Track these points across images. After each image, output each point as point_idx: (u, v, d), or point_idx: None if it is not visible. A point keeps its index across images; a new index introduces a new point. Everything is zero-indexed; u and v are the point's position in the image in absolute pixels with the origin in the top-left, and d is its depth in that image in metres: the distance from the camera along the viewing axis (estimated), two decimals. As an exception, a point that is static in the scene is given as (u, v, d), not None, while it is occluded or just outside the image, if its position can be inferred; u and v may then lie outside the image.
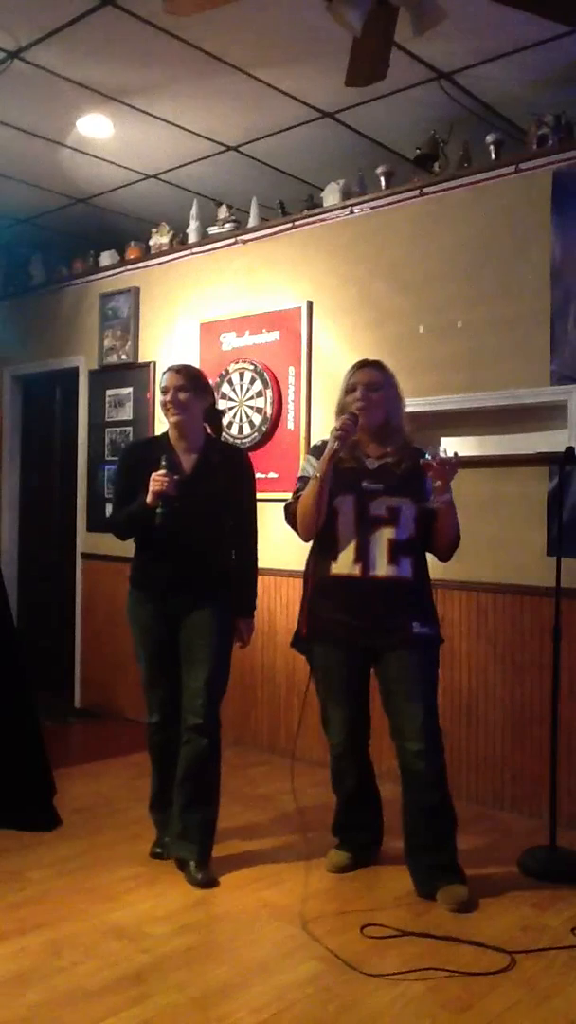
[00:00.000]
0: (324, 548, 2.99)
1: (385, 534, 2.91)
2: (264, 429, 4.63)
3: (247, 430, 4.69)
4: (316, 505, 2.91)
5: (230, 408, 4.79)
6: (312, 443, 3.13)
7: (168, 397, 3.09)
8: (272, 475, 4.55)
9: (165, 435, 3.21)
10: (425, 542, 3.00)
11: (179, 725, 3.09)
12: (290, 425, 4.58)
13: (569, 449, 3.22)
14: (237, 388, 4.75)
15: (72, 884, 2.97)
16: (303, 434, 4.50)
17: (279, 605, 4.48)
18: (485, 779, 3.83)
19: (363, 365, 3.06)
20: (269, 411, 4.62)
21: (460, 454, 2.98)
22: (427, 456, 2.88)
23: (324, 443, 3.00)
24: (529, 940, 2.61)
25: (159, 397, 3.19)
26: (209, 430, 3.24)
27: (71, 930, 2.64)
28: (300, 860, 3.19)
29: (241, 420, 4.74)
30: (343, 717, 3.03)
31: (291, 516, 3.05)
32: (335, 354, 4.42)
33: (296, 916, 2.76)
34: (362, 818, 3.17)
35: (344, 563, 2.94)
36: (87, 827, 3.50)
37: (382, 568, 2.91)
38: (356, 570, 2.93)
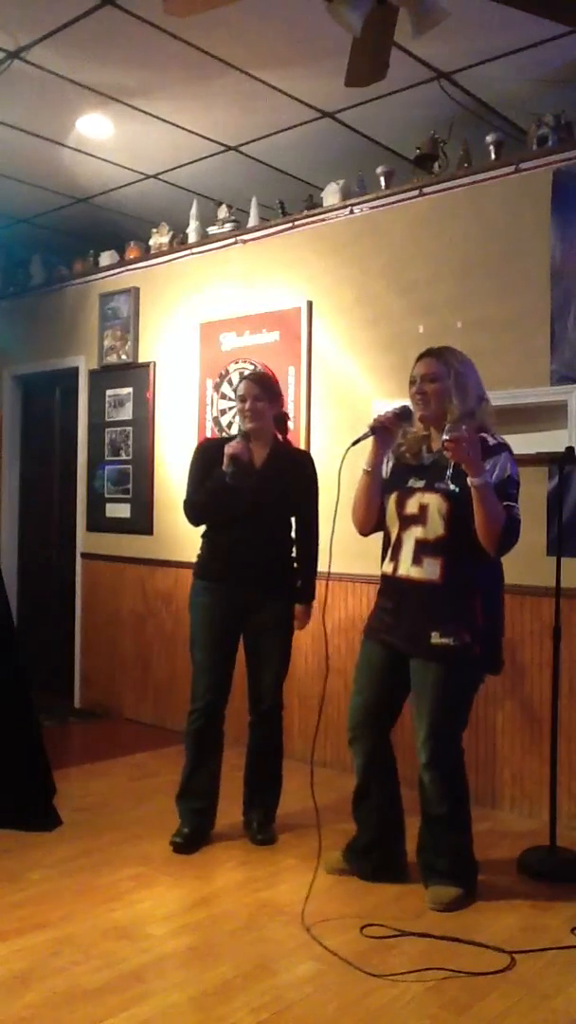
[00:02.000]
0: (383, 546, 3.02)
1: (413, 533, 2.86)
2: (264, 429, 4.63)
3: (247, 430, 4.68)
4: (365, 498, 2.95)
5: (230, 408, 4.79)
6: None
7: (246, 406, 3.32)
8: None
9: (242, 434, 3.38)
10: (466, 542, 2.75)
11: (222, 716, 3.35)
12: (290, 425, 4.56)
13: (569, 449, 3.22)
14: (236, 388, 4.74)
15: (72, 884, 2.97)
16: (303, 434, 4.50)
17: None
18: (485, 779, 3.83)
19: (424, 355, 2.95)
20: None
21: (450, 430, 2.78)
22: (445, 435, 2.68)
23: (405, 408, 2.95)
24: (529, 940, 2.61)
25: (236, 404, 3.43)
26: (278, 433, 3.45)
27: (71, 930, 2.64)
28: (300, 860, 3.19)
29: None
30: (360, 717, 3.00)
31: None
32: (335, 354, 4.42)
33: (296, 916, 2.75)
34: (368, 811, 3.04)
35: (387, 562, 2.96)
36: (87, 827, 3.50)
37: (405, 569, 2.87)
38: (389, 569, 2.93)
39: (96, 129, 4.35)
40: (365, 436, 2.90)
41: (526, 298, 3.75)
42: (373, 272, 4.28)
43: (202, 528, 3.47)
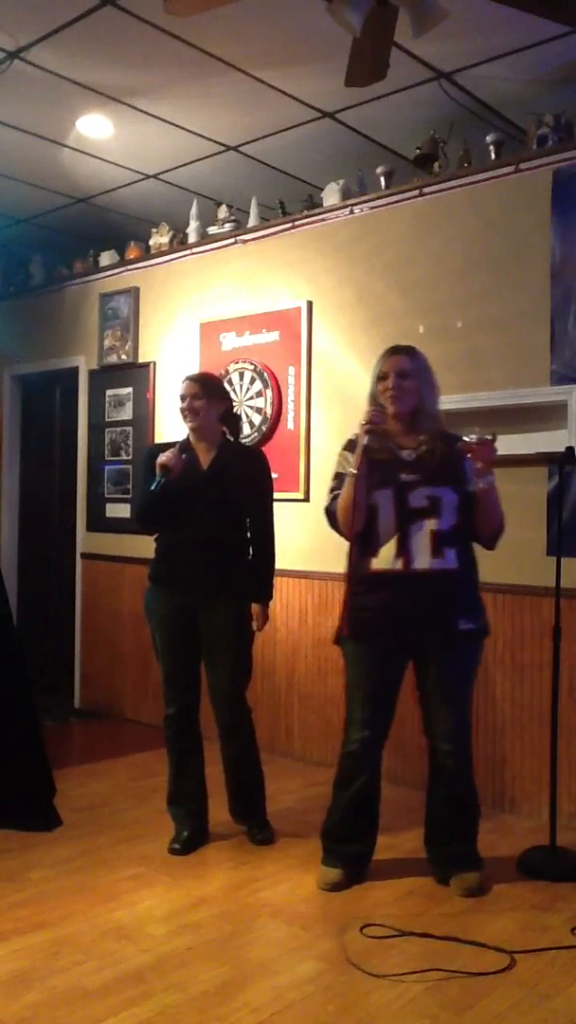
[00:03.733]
0: (364, 545, 2.90)
1: (428, 525, 2.82)
2: (264, 429, 4.63)
3: (247, 430, 4.68)
4: (354, 501, 2.86)
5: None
6: (347, 438, 3.01)
7: (184, 405, 3.29)
8: (272, 475, 4.53)
9: (187, 439, 3.35)
10: (470, 530, 2.89)
11: (196, 718, 3.31)
12: (290, 425, 4.58)
13: (569, 449, 3.22)
14: (237, 388, 4.75)
15: (72, 884, 2.97)
16: (303, 434, 4.50)
17: (278, 604, 4.47)
18: (485, 779, 3.82)
19: (394, 352, 2.98)
20: (269, 411, 4.62)
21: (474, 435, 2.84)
22: (465, 438, 2.77)
23: (357, 438, 2.89)
24: (529, 940, 2.61)
25: (178, 404, 3.36)
26: (227, 432, 3.39)
27: (71, 930, 2.64)
28: (300, 860, 3.19)
29: (240, 420, 4.74)
30: (369, 717, 2.94)
31: (332, 517, 2.97)
32: (335, 354, 4.42)
33: (296, 916, 2.76)
34: (359, 825, 3.02)
35: (385, 558, 2.85)
36: (87, 827, 3.50)
37: (425, 561, 2.82)
38: (398, 564, 2.84)
39: (96, 129, 4.35)
40: (368, 441, 2.82)
41: (526, 298, 3.75)
42: (373, 272, 4.28)
43: None
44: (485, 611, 2.99)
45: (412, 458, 2.90)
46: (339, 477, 2.96)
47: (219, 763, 3.36)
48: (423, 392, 2.95)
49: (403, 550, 2.84)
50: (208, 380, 3.39)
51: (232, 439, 3.42)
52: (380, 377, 2.95)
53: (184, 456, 3.19)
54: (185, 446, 3.28)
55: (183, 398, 3.30)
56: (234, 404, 3.54)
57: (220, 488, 3.25)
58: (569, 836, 3.31)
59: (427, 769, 3.04)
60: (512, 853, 3.22)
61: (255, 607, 3.35)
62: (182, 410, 3.31)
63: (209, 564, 3.22)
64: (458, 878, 2.92)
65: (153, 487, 3.13)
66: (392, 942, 2.59)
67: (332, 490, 2.98)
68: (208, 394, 3.30)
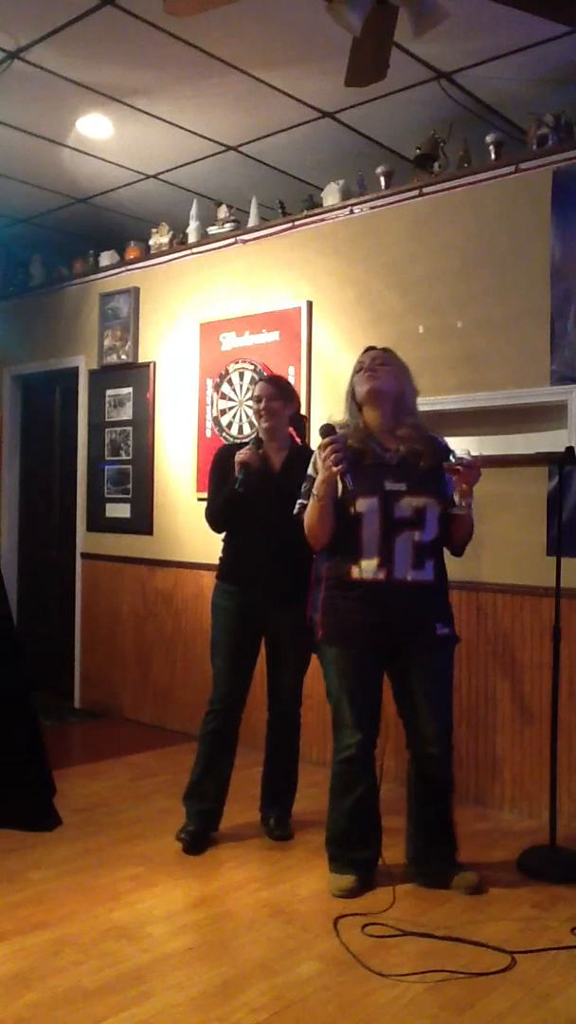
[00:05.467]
0: (346, 551, 2.88)
1: (410, 537, 2.84)
2: (264, 429, 4.63)
3: (247, 430, 4.68)
4: (324, 521, 2.86)
5: (230, 408, 4.79)
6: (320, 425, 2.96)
7: (262, 406, 3.37)
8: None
9: (258, 437, 3.41)
10: (443, 540, 2.96)
11: (239, 718, 3.37)
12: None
13: (569, 449, 3.22)
14: (237, 388, 4.75)
15: (72, 884, 2.97)
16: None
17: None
18: (485, 779, 3.83)
19: (369, 349, 3.07)
20: (269, 411, 4.62)
21: (459, 455, 2.84)
22: (451, 459, 2.78)
23: (328, 427, 2.85)
24: (529, 940, 2.61)
25: (252, 406, 3.46)
26: (295, 436, 3.48)
27: (71, 930, 2.64)
28: (300, 860, 3.19)
29: (241, 420, 4.74)
30: (361, 720, 2.91)
31: (301, 527, 2.95)
32: (335, 354, 4.42)
33: (296, 916, 2.76)
34: (364, 829, 2.98)
35: (367, 568, 2.84)
36: (87, 827, 3.50)
37: (406, 572, 2.83)
38: (381, 575, 2.83)
39: (96, 129, 4.36)
40: (349, 481, 2.77)
41: (526, 298, 3.75)
42: (373, 272, 4.28)
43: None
44: (453, 618, 3.04)
45: (395, 461, 2.89)
46: (310, 480, 2.93)
47: (236, 768, 3.36)
48: (402, 383, 2.97)
49: (385, 561, 2.84)
50: (283, 383, 3.50)
51: (300, 440, 3.50)
52: (357, 369, 3.01)
53: (262, 452, 3.31)
54: (260, 443, 3.36)
55: (258, 399, 3.37)
56: (300, 407, 3.63)
57: (291, 488, 3.25)
58: (569, 836, 3.31)
59: (407, 781, 3.03)
60: (512, 853, 3.22)
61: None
62: (257, 411, 3.38)
63: (282, 564, 3.27)
64: (459, 878, 2.93)
65: (237, 487, 3.18)
66: (392, 942, 2.59)
67: (302, 495, 2.95)
68: (283, 396, 3.39)
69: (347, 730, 2.93)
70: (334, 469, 2.74)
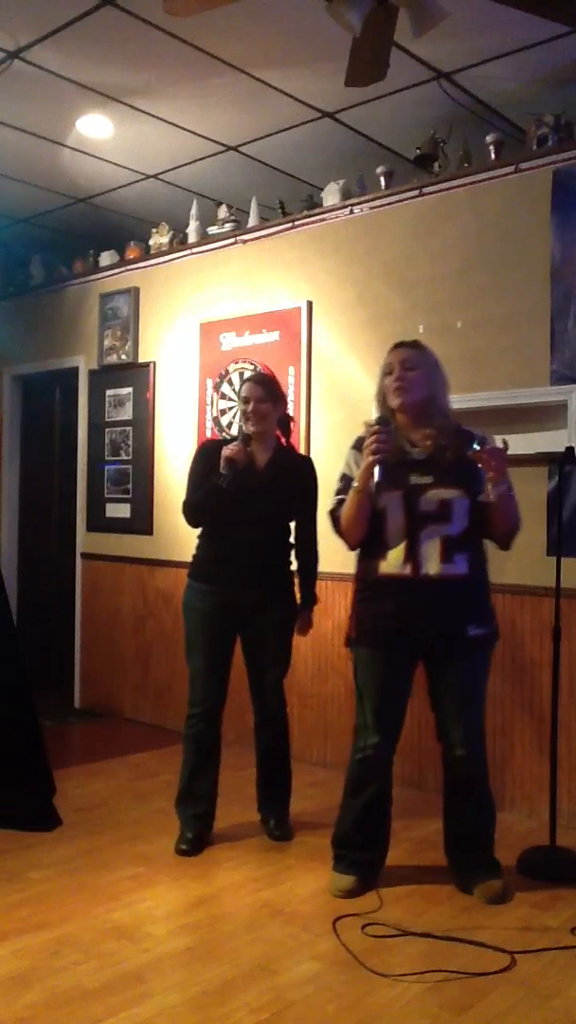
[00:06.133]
0: (372, 548, 2.86)
1: (437, 530, 2.77)
2: (264, 429, 4.63)
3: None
4: (360, 516, 2.80)
5: (230, 408, 4.79)
6: (356, 436, 2.94)
7: (249, 408, 3.27)
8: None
9: (243, 436, 3.33)
10: (481, 532, 2.84)
11: (220, 719, 3.33)
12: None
13: (569, 449, 3.22)
14: (237, 388, 4.75)
15: (72, 884, 2.97)
16: (303, 434, 4.50)
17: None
18: (485, 779, 3.82)
19: (399, 345, 2.93)
20: (269, 411, 4.62)
21: (485, 441, 2.74)
22: (475, 446, 2.66)
23: (383, 420, 2.82)
24: (529, 940, 2.61)
25: (240, 406, 3.35)
26: (280, 436, 3.41)
27: (71, 930, 2.64)
28: (300, 860, 3.19)
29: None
30: (381, 723, 2.88)
31: (336, 522, 2.91)
32: (335, 354, 4.42)
33: (296, 916, 2.76)
34: (372, 830, 2.96)
35: (393, 562, 2.80)
36: (87, 827, 3.50)
37: (434, 567, 2.76)
38: (407, 570, 2.78)
39: (96, 129, 4.35)
40: (379, 474, 2.71)
41: (526, 298, 3.75)
42: (373, 272, 4.28)
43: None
44: (495, 615, 2.95)
45: (423, 457, 2.84)
46: (345, 479, 2.91)
47: (223, 763, 3.36)
48: (432, 386, 2.88)
49: (411, 555, 2.78)
50: (272, 383, 3.40)
51: (284, 441, 3.43)
52: (386, 371, 2.90)
53: (250, 450, 3.24)
54: (248, 440, 3.27)
55: (246, 400, 3.27)
56: (287, 407, 3.53)
57: (275, 490, 3.27)
58: (569, 836, 3.31)
59: (441, 775, 3.02)
60: (512, 853, 3.22)
61: (302, 613, 3.41)
62: (244, 413, 3.29)
63: (262, 564, 3.26)
64: (481, 886, 2.89)
65: (222, 483, 3.11)
66: (392, 942, 2.59)
67: (338, 492, 2.92)
68: (272, 397, 3.30)
69: (367, 731, 2.91)
70: (371, 458, 2.72)
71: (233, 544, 3.26)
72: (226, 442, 3.32)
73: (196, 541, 3.43)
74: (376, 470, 2.71)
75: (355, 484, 2.80)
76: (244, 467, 3.19)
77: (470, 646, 2.84)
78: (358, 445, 2.89)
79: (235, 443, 3.21)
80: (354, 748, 2.96)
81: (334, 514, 2.92)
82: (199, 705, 3.31)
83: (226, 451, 3.16)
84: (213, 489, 3.17)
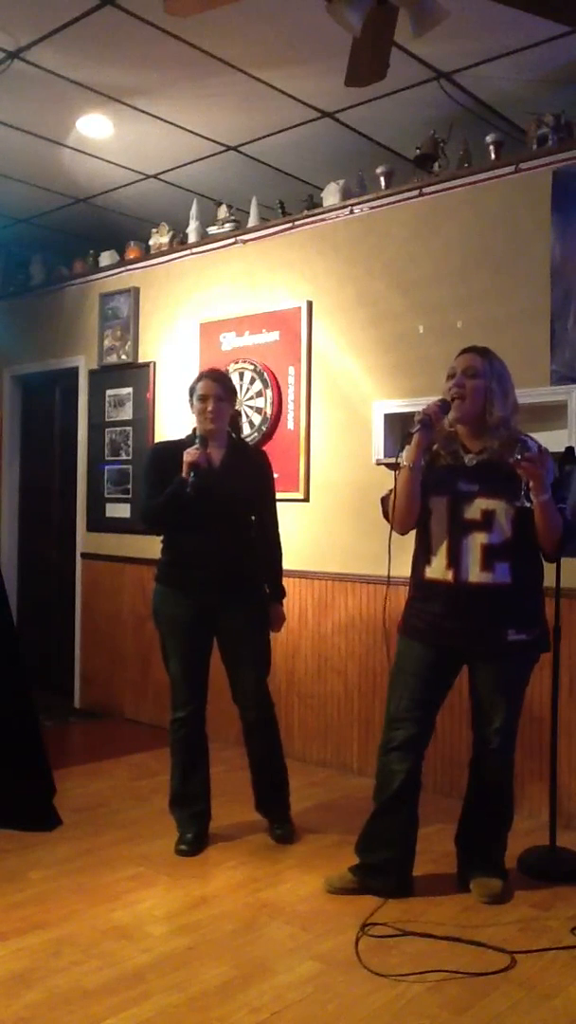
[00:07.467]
0: (421, 548, 2.90)
1: (478, 539, 2.77)
2: (264, 429, 4.63)
3: (247, 430, 4.68)
4: (407, 496, 2.80)
5: (230, 408, 4.79)
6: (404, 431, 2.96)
7: (208, 407, 3.22)
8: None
9: (191, 436, 3.30)
10: (529, 542, 2.79)
11: (204, 720, 3.31)
12: (290, 425, 4.58)
13: (569, 449, 3.22)
14: (237, 388, 4.74)
15: (72, 884, 2.97)
16: (303, 434, 4.50)
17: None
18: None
19: (466, 351, 2.89)
20: (269, 411, 4.62)
21: (529, 449, 2.73)
22: (517, 455, 2.65)
23: (445, 403, 2.82)
24: (529, 940, 2.61)
25: (196, 404, 3.28)
26: (232, 433, 3.37)
27: (71, 930, 2.64)
28: (300, 860, 3.19)
29: (241, 420, 4.74)
30: (406, 714, 2.86)
31: (384, 505, 2.92)
32: (335, 354, 4.42)
33: (296, 916, 2.76)
34: (393, 827, 2.89)
35: (437, 567, 2.83)
36: (87, 827, 3.50)
37: (475, 575, 2.77)
38: (449, 576, 2.80)
39: (96, 129, 4.36)
40: (416, 431, 2.76)
41: (526, 298, 3.75)
42: (373, 272, 4.28)
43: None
44: (544, 623, 2.92)
45: (473, 464, 2.83)
46: (398, 467, 2.88)
47: (222, 763, 3.35)
48: (492, 395, 2.81)
49: (453, 562, 2.80)
50: (227, 379, 3.36)
51: (235, 436, 3.40)
52: (449, 375, 2.88)
53: (208, 452, 3.20)
54: (205, 442, 3.22)
55: (203, 399, 3.23)
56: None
57: (233, 486, 3.23)
58: (569, 836, 3.31)
59: (466, 771, 3.04)
60: (512, 853, 3.21)
61: (273, 608, 3.39)
62: (203, 411, 3.23)
63: (227, 564, 3.22)
64: (479, 882, 2.89)
65: (188, 489, 3.06)
66: (392, 942, 2.59)
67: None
68: (228, 395, 3.28)
69: (392, 722, 2.91)
70: (411, 431, 2.75)
71: (197, 545, 3.22)
72: (181, 443, 3.27)
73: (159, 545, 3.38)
74: (419, 433, 2.73)
75: (404, 463, 2.80)
76: (207, 469, 3.15)
77: (508, 649, 2.82)
78: (410, 440, 2.87)
79: (194, 447, 3.15)
80: (381, 744, 2.93)
81: (385, 500, 2.93)
82: (181, 709, 3.30)
83: (187, 456, 3.11)
84: (176, 495, 3.11)
